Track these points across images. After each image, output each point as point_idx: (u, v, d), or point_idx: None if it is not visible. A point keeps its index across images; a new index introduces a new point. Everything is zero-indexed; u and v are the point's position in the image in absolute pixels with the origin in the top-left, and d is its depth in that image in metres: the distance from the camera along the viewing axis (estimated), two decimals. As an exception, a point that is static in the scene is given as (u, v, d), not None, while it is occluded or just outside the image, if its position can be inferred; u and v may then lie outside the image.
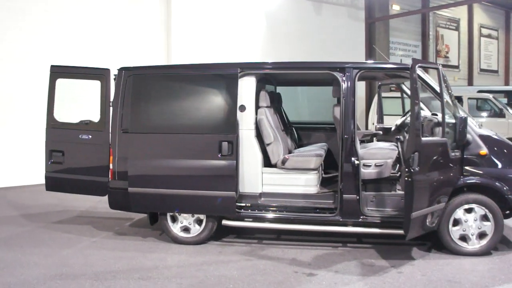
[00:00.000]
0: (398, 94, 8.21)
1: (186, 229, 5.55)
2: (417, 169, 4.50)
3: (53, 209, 7.47)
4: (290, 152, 6.10)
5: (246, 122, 5.48)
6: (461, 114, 5.02)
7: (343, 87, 5.23)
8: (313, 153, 5.73)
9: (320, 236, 5.70)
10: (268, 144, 5.66)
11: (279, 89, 7.37)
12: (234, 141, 5.23)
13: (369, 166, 5.43)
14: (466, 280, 4.40)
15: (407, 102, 6.54)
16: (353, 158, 5.15)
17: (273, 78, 6.85)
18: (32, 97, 9.52)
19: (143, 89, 5.56)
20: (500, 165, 5.11)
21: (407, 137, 5.17)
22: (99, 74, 5.79)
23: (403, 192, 5.10)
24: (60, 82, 5.91)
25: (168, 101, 5.53)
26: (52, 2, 10.11)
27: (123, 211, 5.82)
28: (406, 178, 4.58)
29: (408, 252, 5.19)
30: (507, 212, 5.30)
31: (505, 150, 5.20)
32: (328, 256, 5.09)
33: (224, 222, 5.50)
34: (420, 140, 4.57)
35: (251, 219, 5.57)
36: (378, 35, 16.84)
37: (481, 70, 23.27)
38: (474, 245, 5.04)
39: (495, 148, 5.16)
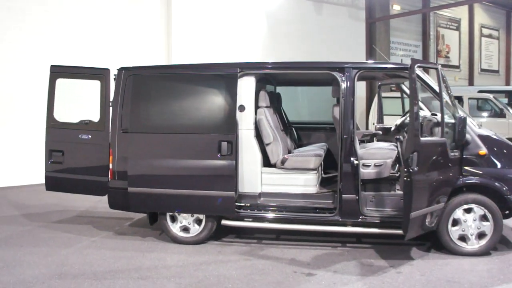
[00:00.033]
0: (398, 94, 8.20)
1: (185, 229, 5.56)
2: (416, 169, 4.50)
3: (53, 208, 7.48)
4: (289, 152, 6.10)
5: (245, 122, 5.48)
6: (460, 114, 5.02)
7: (343, 87, 5.23)
8: (313, 153, 5.73)
9: (319, 236, 5.70)
10: (267, 144, 5.67)
11: (279, 89, 7.38)
12: (233, 141, 5.23)
13: (369, 166, 5.43)
14: (465, 280, 4.40)
15: (407, 102, 6.52)
16: (352, 158, 5.15)
17: (273, 78, 6.85)
18: (32, 97, 9.53)
19: (143, 89, 5.56)
20: (499, 165, 5.10)
21: (406, 137, 5.17)
22: (99, 74, 5.80)
23: (402, 192, 5.10)
24: (60, 82, 5.92)
25: (168, 101, 5.54)
26: (52, 2, 10.11)
27: (122, 211, 5.83)
28: (405, 178, 4.58)
29: (407, 252, 5.19)
30: (507, 212, 5.28)
31: (504, 150, 5.20)
32: (327, 256, 5.09)
33: (224, 222, 5.51)
34: (419, 140, 4.57)
35: (250, 219, 5.57)
36: (379, 35, 16.83)
37: (482, 70, 23.24)
38: (473, 245, 5.04)
39: (495, 148, 5.15)
